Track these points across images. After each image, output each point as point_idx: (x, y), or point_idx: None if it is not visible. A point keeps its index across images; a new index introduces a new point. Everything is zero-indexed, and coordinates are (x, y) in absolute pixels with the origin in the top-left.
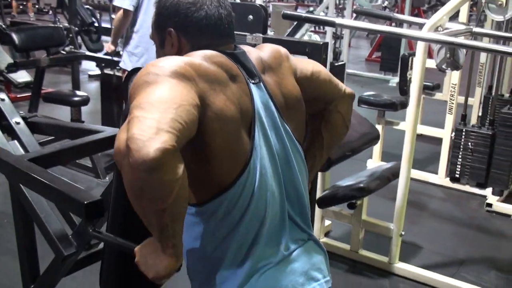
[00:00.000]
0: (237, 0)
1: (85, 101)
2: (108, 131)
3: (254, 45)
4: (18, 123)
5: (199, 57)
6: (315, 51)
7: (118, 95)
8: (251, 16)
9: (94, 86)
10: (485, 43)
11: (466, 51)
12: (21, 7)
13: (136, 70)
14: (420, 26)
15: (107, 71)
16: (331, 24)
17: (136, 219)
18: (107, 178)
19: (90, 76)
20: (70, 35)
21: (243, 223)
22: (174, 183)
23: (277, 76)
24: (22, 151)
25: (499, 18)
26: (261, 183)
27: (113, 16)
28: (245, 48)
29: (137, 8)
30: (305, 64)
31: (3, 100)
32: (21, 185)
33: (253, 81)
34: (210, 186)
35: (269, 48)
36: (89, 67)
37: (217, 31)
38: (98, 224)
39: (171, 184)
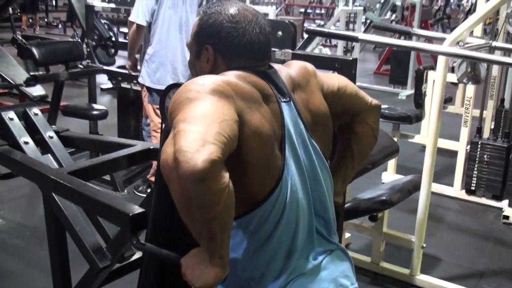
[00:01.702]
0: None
1: (104, 114)
2: (139, 145)
3: (283, 61)
4: (51, 137)
5: (235, 77)
6: (345, 67)
7: (134, 108)
8: (280, 32)
9: (107, 99)
10: (507, 58)
11: (488, 66)
12: (30, 20)
13: (172, 86)
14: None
15: (124, 85)
16: (355, 39)
17: (177, 231)
18: (125, 191)
19: (103, 90)
20: (88, 49)
21: (275, 236)
22: (222, 191)
23: (305, 94)
24: (56, 165)
25: None
26: (292, 198)
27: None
28: (276, 66)
29: (152, 23)
30: (332, 80)
31: (36, 114)
32: (55, 197)
33: (284, 100)
34: (244, 200)
35: (297, 65)
36: (102, 80)
37: (255, 57)
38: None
39: (219, 193)
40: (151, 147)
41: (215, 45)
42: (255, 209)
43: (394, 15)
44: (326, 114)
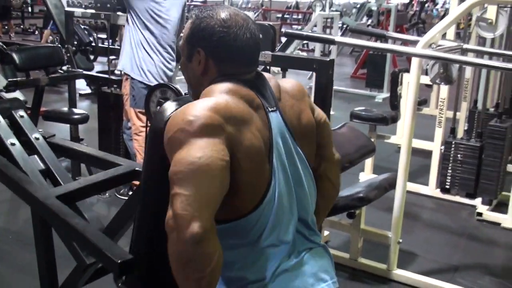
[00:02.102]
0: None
1: (85, 119)
2: (125, 165)
3: (263, 62)
4: (37, 139)
5: (224, 94)
6: (323, 68)
7: (115, 112)
8: (260, 35)
9: (86, 104)
10: (478, 59)
11: (460, 68)
12: (6, 27)
13: (155, 88)
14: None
15: (105, 89)
16: (332, 42)
17: (160, 238)
18: (107, 194)
19: (81, 95)
20: (68, 54)
21: (261, 239)
22: (213, 254)
23: (299, 107)
24: (42, 166)
25: (490, 35)
26: (279, 204)
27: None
28: (266, 75)
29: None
30: (320, 111)
31: (22, 117)
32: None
33: (271, 109)
34: (234, 211)
35: (293, 82)
36: (80, 86)
37: (245, 62)
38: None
39: (211, 256)
40: (137, 169)
41: (207, 48)
42: (244, 217)
43: (370, 20)
44: (313, 130)
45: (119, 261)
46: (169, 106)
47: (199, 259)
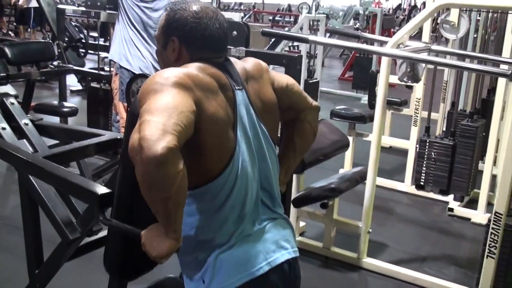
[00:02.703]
0: None
1: (74, 112)
2: (108, 134)
3: (238, 57)
4: (26, 124)
5: (195, 68)
6: (291, 63)
7: (104, 107)
8: (235, 32)
9: (77, 100)
10: (440, 58)
11: (425, 66)
12: None
13: (137, 76)
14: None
15: (94, 84)
16: (305, 40)
17: (139, 208)
18: None
19: (72, 91)
20: (59, 50)
21: (227, 204)
22: (176, 175)
23: (258, 85)
24: (31, 149)
25: (452, 37)
26: (243, 172)
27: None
28: (232, 59)
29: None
30: (281, 77)
31: (12, 104)
32: (31, 178)
33: (237, 88)
34: (202, 174)
35: (252, 61)
36: (71, 82)
37: (214, 48)
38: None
39: (174, 176)
40: (118, 137)
41: (181, 37)
42: (211, 181)
43: (358, 23)
44: (274, 104)
45: (99, 193)
46: None
47: (163, 179)
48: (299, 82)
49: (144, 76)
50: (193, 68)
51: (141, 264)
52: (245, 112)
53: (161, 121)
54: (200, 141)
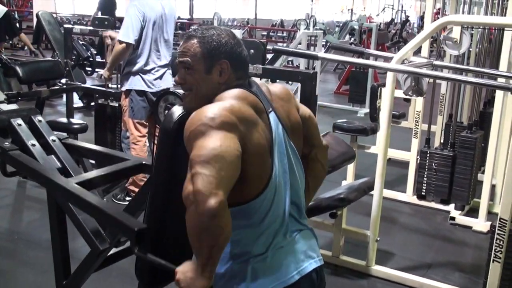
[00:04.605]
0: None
1: (84, 128)
2: (132, 159)
3: (255, 75)
4: (54, 141)
5: (235, 99)
6: (307, 79)
7: (111, 123)
8: (252, 50)
9: (79, 117)
10: (443, 73)
11: (429, 80)
12: None
13: (164, 94)
14: (386, 59)
15: (101, 101)
16: (315, 57)
17: (170, 219)
18: (104, 199)
19: (74, 108)
20: (67, 68)
21: (265, 220)
22: (226, 226)
23: (287, 107)
24: (59, 165)
25: (455, 52)
26: (278, 192)
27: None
28: (255, 81)
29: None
30: (305, 108)
31: (40, 121)
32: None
33: (269, 110)
34: (242, 196)
35: (281, 86)
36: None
37: (246, 67)
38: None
39: (224, 227)
40: (143, 162)
41: (230, 59)
42: (251, 201)
43: (352, 38)
44: (300, 126)
45: (136, 228)
46: (177, 110)
47: (214, 229)
48: (314, 97)
49: (172, 93)
50: (233, 100)
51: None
52: (277, 133)
53: (213, 175)
54: (244, 170)
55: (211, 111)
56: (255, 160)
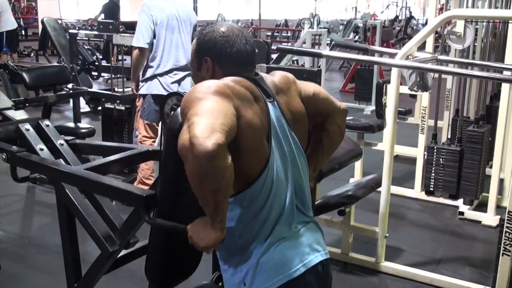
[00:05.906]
0: None
1: (92, 132)
2: (139, 148)
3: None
4: (62, 145)
5: (231, 81)
6: (311, 76)
7: (118, 126)
8: (256, 50)
9: (86, 122)
10: (448, 67)
11: (433, 75)
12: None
13: (172, 94)
14: (391, 55)
15: (108, 105)
16: (319, 55)
17: (179, 210)
18: (113, 202)
19: (81, 113)
20: (73, 73)
21: (265, 208)
22: (226, 169)
23: (287, 97)
24: None
25: (459, 47)
26: (278, 178)
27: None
28: (262, 74)
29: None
30: (308, 86)
31: (48, 126)
32: (69, 192)
33: (269, 100)
34: (239, 180)
35: (280, 74)
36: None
37: (243, 63)
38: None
39: (224, 169)
40: (150, 149)
41: (212, 56)
42: (249, 187)
43: (357, 36)
44: (303, 113)
45: (144, 195)
46: None
47: (214, 172)
48: None
49: (178, 94)
50: (229, 81)
51: (179, 271)
52: (277, 123)
53: (209, 121)
54: (238, 145)
55: (206, 83)
56: (248, 135)
